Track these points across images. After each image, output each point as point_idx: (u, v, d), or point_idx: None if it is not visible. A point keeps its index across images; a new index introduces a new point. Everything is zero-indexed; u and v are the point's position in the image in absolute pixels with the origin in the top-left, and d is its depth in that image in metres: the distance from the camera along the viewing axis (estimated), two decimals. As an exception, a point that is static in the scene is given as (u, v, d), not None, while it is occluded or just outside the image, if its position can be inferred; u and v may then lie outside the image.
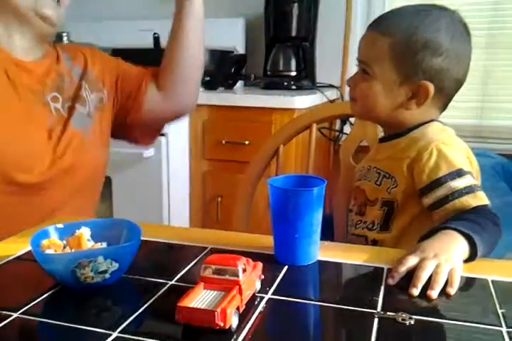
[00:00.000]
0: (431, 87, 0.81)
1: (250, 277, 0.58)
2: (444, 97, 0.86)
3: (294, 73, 2.08)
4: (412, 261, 0.64)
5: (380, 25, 0.84)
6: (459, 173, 0.78)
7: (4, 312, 0.55)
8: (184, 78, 1.11)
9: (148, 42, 2.11)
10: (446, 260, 0.63)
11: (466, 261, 0.68)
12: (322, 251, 0.71)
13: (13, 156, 0.91)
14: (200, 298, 0.54)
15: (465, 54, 0.84)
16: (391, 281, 0.63)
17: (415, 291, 0.60)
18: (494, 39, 1.96)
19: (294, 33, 2.04)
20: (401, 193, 0.84)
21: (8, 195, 0.92)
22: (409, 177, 0.82)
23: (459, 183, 0.77)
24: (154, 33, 2.10)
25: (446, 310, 0.57)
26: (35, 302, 0.57)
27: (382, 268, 0.67)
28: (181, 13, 1.09)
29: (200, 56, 1.13)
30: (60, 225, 0.67)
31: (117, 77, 1.11)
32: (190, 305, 0.52)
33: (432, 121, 0.87)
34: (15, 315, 0.54)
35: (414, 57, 0.80)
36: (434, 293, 0.59)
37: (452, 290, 0.60)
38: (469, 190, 0.77)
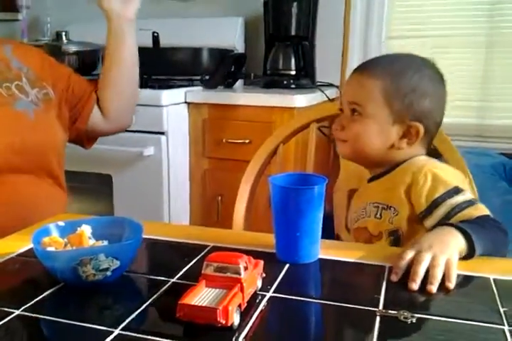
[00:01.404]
0: (421, 128, 0.85)
1: (252, 275, 0.58)
2: (429, 137, 0.89)
3: (293, 72, 2.07)
4: (409, 254, 0.65)
5: (369, 70, 0.87)
6: (456, 191, 0.79)
7: (6, 309, 0.55)
8: (120, 96, 1.17)
9: (147, 42, 2.11)
10: (441, 251, 0.64)
11: (464, 257, 0.68)
12: (323, 249, 0.71)
13: None
14: (201, 296, 0.54)
15: (444, 98, 0.90)
16: (395, 278, 0.63)
17: (414, 286, 0.61)
18: (494, 38, 1.96)
19: (293, 32, 2.04)
20: (404, 220, 0.85)
21: None
22: (408, 203, 0.84)
23: (457, 199, 0.78)
24: (153, 32, 2.10)
25: (449, 308, 0.57)
26: (37, 299, 0.57)
27: (384, 266, 0.67)
28: (117, 35, 1.14)
29: (133, 81, 1.18)
30: (61, 223, 0.67)
31: (68, 86, 1.12)
32: (192, 303, 0.52)
33: (419, 155, 0.89)
34: (17, 312, 0.54)
35: (405, 99, 0.84)
36: (433, 288, 0.60)
37: (451, 285, 0.61)
38: (469, 203, 0.78)
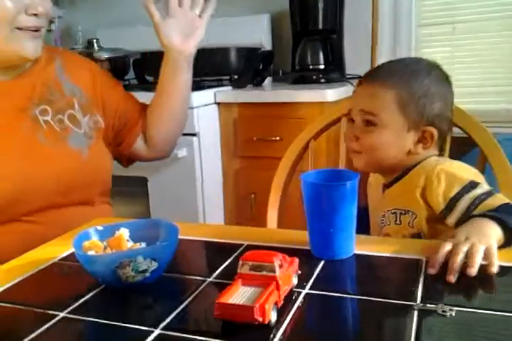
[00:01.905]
0: (435, 132, 0.86)
1: (287, 272, 0.58)
2: (443, 139, 0.91)
3: (322, 66, 2.06)
4: (446, 247, 0.64)
5: (380, 79, 0.87)
6: (472, 185, 0.79)
7: (51, 311, 0.57)
8: (166, 128, 1.15)
9: (176, 44, 2.13)
10: (479, 241, 0.64)
11: (503, 246, 0.67)
12: (358, 245, 0.70)
13: (11, 193, 0.88)
14: (238, 295, 0.54)
15: (452, 98, 0.91)
16: (432, 271, 0.62)
17: (452, 278, 0.60)
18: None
19: (320, 26, 2.02)
20: (423, 222, 0.85)
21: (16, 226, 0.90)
22: (425, 205, 0.84)
23: (475, 192, 0.78)
24: (181, 34, 2.12)
25: (488, 301, 0.56)
26: (80, 302, 0.59)
27: (420, 260, 0.66)
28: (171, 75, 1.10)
29: (183, 114, 1.16)
30: (100, 227, 0.69)
31: (117, 112, 1.10)
32: (229, 302, 0.53)
33: (430, 157, 0.89)
34: (61, 314, 0.56)
35: (418, 105, 0.84)
36: (473, 271, 0.60)
37: (494, 268, 0.61)
38: (488, 194, 0.77)
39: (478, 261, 0.61)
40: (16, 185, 0.89)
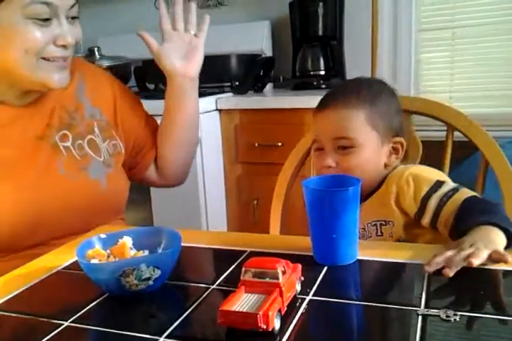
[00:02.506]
0: (404, 141, 0.91)
1: (290, 279, 0.58)
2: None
3: (323, 72, 2.07)
4: (449, 252, 0.64)
5: (344, 103, 0.88)
6: (439, 184, 0.83)
7: (56, 321, 0.57)
8: (176, 155, 1.11)
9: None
10: (485, 246, 0.64)
11: (507, 247, 0.67)
12: (361, 250, 0.70)
13: (29, 224, 0.86)
14: (241, 302, 0.54)
15: (401, 109, 0.96)
16: (428, 268, 0.62)
17: (449, 271, 0.61)
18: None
19: (320, 32, 2.03)
20: (401, 229, 0.86)
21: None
22: (400, 212, 0.86)
23: (443, 190, 0.82)
24: (182, 42, 2.13)
25: (492, 305, 0.56)
26: (84, 310, 0.59)
27: (423, 265, 0.66)
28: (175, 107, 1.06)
29: (193, 142, 1.13)
30: (103, 235, 0.69)
31: (136, 138, 1.07)
32: (233, 309, 0.53)
33: (396, 167, 0.92)
34: (66, 323, 0.57)
35: (385, 120, 0.89)
36: (476, 261, 0.60)
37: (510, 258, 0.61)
38: (454, 190, 0.81)
39: (483, 255, 0.61)
40: (34, 217, 0.86)
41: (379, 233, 0.89)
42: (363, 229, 0.91)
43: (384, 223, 0.88)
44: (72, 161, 0.94)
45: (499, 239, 0.67)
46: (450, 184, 0.83)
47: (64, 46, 0.85)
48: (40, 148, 0.91)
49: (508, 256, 0.62)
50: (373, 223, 0.89)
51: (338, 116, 0.88)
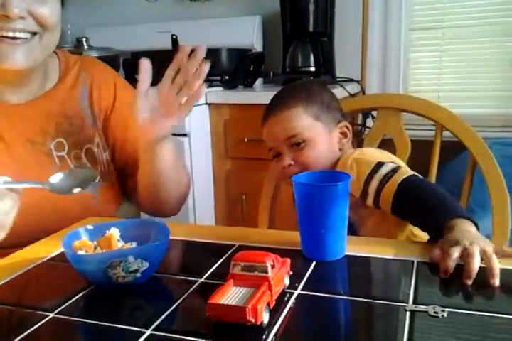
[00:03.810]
0: (348, 124, 0.98)
1: (279, 273, 0.58)
2: (353, 131, 1.01)
3: (312, 69, 2.07)
4: (456, 251, 0.63)
5: (283, 106, 0.94)
6: (379, 165, 0.87)
7: (41, 312, 0.56)
8: (161, 203, 0.97)
9: (166, 44, 2.13)
10: (487, 244, 0.64)
11: None
12: (350, 246, 0.70)
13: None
14: (230, 295, 0.54)
15: (336, 97, 1.02)
16: (445, 276, 0.61)
17: (469, 282, 0.60)
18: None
19: (311, 29, 2.03)
20: (351, 212, 0.84)
21: None
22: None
23: (382, 171, 0.86)
24: (172, 35, 2.12)
25: (479, 301, 0.57)
26: (70, 302, 0.58)
27: (412, 261, 0.66)
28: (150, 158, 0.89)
29: (178, 189, 0.98)
30: (90, 226, 0.68)
31: (121, 150, 0.98)
32: (221, 302, 0.52)
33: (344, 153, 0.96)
34: (51, 315, 0.56)
35: (326, 111, 0.95)
36: (497, 282, 0.59)
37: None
38: (393, 172, 0.85)
39: (497, 265, 0.61)
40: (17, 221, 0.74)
41: None
42: None
43: None
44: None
45: (480, 234, 0.68)
46: (389, 165, 0.87)
47: (7, 17, 0.75)
48: (30, 153, 0.86)
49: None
50: None
51: (281, 118, 0.94)
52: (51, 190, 0.70)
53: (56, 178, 0.72)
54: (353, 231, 0.90)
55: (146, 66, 0.81)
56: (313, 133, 0.93)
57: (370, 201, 0.87)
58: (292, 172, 0.90)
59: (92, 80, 0.97)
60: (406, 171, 0.86)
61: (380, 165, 0.87)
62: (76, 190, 0.72)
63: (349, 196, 0.85)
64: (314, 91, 0.98)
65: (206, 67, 0.80)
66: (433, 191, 0.80)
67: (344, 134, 0.97)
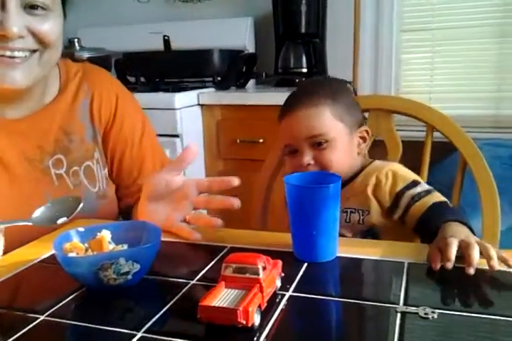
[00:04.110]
0: (368, 129, 0.96)
1: (271, 275, 0.58)
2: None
3: (305, 70, 2.08)
4: (455, 242, 0.64)
5: (309, 103, 0.91)
6: (414, 184, 0.88)
7: (31, 314, 0.56)
8: None
9: (158, 45, 2.13)
10: (479, 241, 0.66)
11: None
12: (341, 247, 0.71)
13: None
14: (221, 297, 0.54)
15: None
16: (450, 265, 0.62)
17: (472, 270, 0.61)
18: (506, 27, 1.93)
19: (303, 30, 2.04)
20: (377, 218, 0.90)
21: None
22: (376, 202, 0.91)
23: (416, 190, 0.87)
24: (164, 36, 2.12)
25: (470, 302, 0.57)
26: (61, 304, 0.58)
27: (403, 263, 0.66)
28: None
29: None
30: (81, 228, 0.68)
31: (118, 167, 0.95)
32: (212, 304, 0.52)
33: (374, 161, 0.97)
34: (41, 317, 0.55)
35: (350, 113, 0.93)
36: (496, 264, 0.61)
37: None
38: (427, 192, 0.87)
39: (494, 253, 0.62)
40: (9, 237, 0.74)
41: (347, 220, 0.92)
42: None
43: (353, 211, 0.92)
44: (63, 192, 0.85)
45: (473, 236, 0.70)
46: (425, 185, 0.88)
47: (5, 37, 0.72)
48: (28, 172, 0.84)
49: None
50: (344, 210, 0.92)
51: (306, 115, 0.91)
52: (35, 224, 0.70)
53: (38, 212, 0.72)
54: (375, 236, 0.90)
55: (194, 148, 0.77)
56: (336, 134, 0.91)
57: (396, 215, 0.88)
58: (310, 171, 0.90)
59: (94, 91, 0.93)
60: (439, 196, 0.86)
61: (415, 183, 0.88)
62: (61, 221, 0.72)
63: (378, 205, 0.89)
64: (340, 90, 0.96)
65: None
66: (459, 214, 0.79)
67: (363, 139, 0.96)
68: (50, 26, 0.78)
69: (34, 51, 0.78)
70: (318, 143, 0.90)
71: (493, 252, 0.62)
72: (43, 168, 0.85)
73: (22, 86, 0.79)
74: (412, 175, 0.91)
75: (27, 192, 0.83)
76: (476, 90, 2.01)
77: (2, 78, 0.76)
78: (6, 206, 0.80)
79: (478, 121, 1.94)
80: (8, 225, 0.69)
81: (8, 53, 0.75)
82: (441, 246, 0.65)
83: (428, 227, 0.79)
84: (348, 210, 0.93)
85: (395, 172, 0.90)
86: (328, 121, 0.90)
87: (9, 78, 0.76)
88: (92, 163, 0.91)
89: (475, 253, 0.62)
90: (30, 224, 0.70)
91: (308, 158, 0.90)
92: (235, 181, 0.74)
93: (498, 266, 0.61)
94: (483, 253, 0.63)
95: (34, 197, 0.83)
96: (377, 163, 0.95)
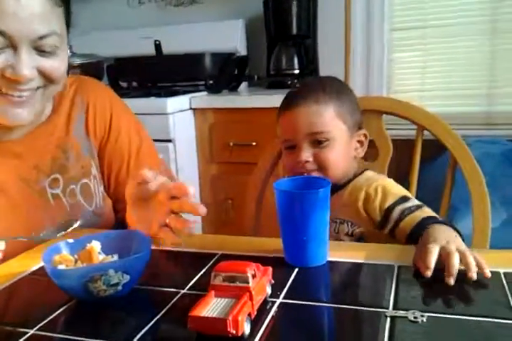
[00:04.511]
0: (367, 132, 0.95)
1: (260, 282, 0.58)
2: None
3: (297, 71, 2.08)
4: (435, 248, 0.64)
5: (313, 100, 0.90)
6: (404, 199, 0.87)
7: (21, 329, 0.56)
8: None
9: (150, 50, 2.12)
10: (461, 244, 0.67)
11: None
12: (332, 252, 0.71)
13: None
14: (211, 307, 0.54)
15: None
16: (429, 273, 0.62)
17: (452, 280, 0.60)
18: (497, 24, 1.94)
19: (294, 31, 2.04)
20: (366, 231, 0.90)
21: None
22: (367, 217, 0.89)
23: (406, 205, 0.86)
24: (155, 40, 2.12)
25: (458, 305, 0.57)
26: (51, 317, 0.58)
27: (393, 266, 0.67)
28: None
29: None
30: (71, 240, 0.68)
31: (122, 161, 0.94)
32: (202, 315, 0.52)
33: (365, 170, 0.96)
34: (31, 331, 0.55)
35: (351, 114, 0.92)
36: (474, 275, 0.61)
37: (488, 272, 0.62)
38: (417, 207, 0.85)
39: (474, 263, 0.62)
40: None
41: (336, 230, 0.91)
42: None
43: (342, 221, 0.91)
44: (60, 213, 0.85)
45: (458, 237, 0.70)
46: (415, 201, 0.87)
47: (16, 81, 0.73)
48: (24, 194, 0.83)
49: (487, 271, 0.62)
50: (334, 220, 0.91)
51: (310, 111, 0.89)
52: (36, 241, 0.70)
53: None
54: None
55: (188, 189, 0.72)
56: (337, 134, 0.90)
57: (387, 230, 0.86)
58: (307, 168, 0.89)
59: (88, 102, 0.93)
60: (430, 211, 0.85)
61: (405, 198, 0.87)
62: (60, 234, 0.72)
63: (368, 220, 0.88)
64: (344, 89, 0.95)
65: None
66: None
67: (361, 143, 0.95)
68: (59, 64, 0.78)
69: (39, 87, 0.78)
70: (318, 141, 0.89)
71: (472, 260, 0.62)
72: (40, 188, 0.84)
73: (26, 122, 0.80)
74: (402, 191, 0.90)
75: (24, 214, 0.83)
76: (467, 87, 2.02)
77: (6, 115, 0.77)
78: (5, 228, 0.80)
79: (470, 118, 1.95)
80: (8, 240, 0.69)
81: (16, 94, 0.75)
82: (422, 254, 0.65)
83: (418, 241, 0.76)
84: (338, 220, 0.92)
85: (384, 187, 0.89)
86: (331, 119, 0.89)
87: (14, 115, 0.77)
88: (89, 180, 0.91)
89: (454, 262, 0.61)
90: (31, 239, 0.70)
91: (307, 154, 0.89)
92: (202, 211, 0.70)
93: (475, 276, 0.61)
94: (462, 262, 0.62)
95: (32, 219, 0.83)
96: (368, 174, 0.94)
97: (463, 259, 0.62)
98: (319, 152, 0.89)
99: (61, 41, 0.77)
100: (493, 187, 1.01)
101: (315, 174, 0.90)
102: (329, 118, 0.89)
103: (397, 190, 0.90)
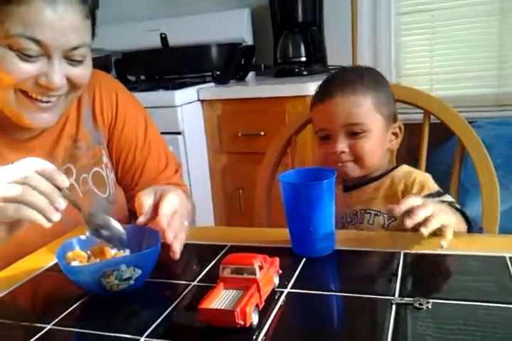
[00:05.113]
0: (402, 125, 0.95)
1: (268, 274, 0.59)
2: None
3: (304, 58, 2.07)
4: (414, 197, 0.68)
5: (351, 90, 0.88)
6: (439, 194, 0.86)
7: (38, 324, 0.58)
8: None
9: (156, 42, 2.13)
10: (445, 211, 0.70)
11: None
12: (339, 241, 0.72)
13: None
14: (220, 298, 0.56)
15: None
16: (396, 212, 0.66)
17: (409, 222, 0.65)
18: (506, 4, 1.90)
19: (300, 19, 2.03)
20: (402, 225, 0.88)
21: None
22: None
23: (440, 198, 0.84)
24: (161, 34, 2.12)
25: (463, 291, 0.58)
26: (66, 312, 0.60)
27: (399, 253, 0.67)
28: None
29: None
30: (83, 236, 0.69)
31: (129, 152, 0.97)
32: (211, 307, 0.54)
33: (401, 164, 0.96)
34: (48, 326, 0.57)
35: (387, 105, 0.91)
36: (425, 231, 0.65)
37: (444, 244, 0.66)
38: (449, 204, 0.81)
39: (434, 224, 0.65)
40: (14, 253, 0.78)
41: (370, 221, 0.90)
42: (355, 213, 0.92)
43: (378, 213, 0.90)
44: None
45: (453, 216, 0.72)
46: (449, 197, 0.86)
47: (47, 88, 0.76)
48: None
49: (444, 243, 0.66)
50: (368, 211, 0.91)
51: (347, 102, 0.88)
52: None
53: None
54: None
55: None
56: (374, 125, 0.88)
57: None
58: (342, 159, 0.89)
59: (94, 93, 0.95)
60: (460, 208, 0.82)
61: (440, 193, 0.86)
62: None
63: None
64: (381, 81, 0.93)
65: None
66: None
67: (396, 135, 0.94)
68: (85, 72, 0.81)
69: (64, 93, 0.81)
70: (354, 132, 0.88)
71: (434, 222, 0.65)
72: None
73: (50, 125, 0.84)
74: (438, 187, 0.89)
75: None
76: (477, 69, 1.99)
77: (32, 119, 0.80)
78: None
79: (481, 100, 1.93)
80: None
81: (45, 99, 0.78)
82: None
83: None
84: (372, 212, 0.90)
85: (422, 180, 0.88)
86: (369, 111, 0.88)
87: (39, 119, 0.80)
88: (101, 168, 0.93)
89: (420, 212, 0.65)
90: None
91: (343, 145, 0.88)
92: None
93: (445, 245, 0.65)
94: (441, 227, 0.66)
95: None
96: (405, 167, 0.93)
97: (428, 218, 0.65)
98: (355, 143, 0.88)
99: (88, 50, 0.80)
100: (506, 169, 1.00)
101: (350, 165, 0.90)
102: (366, 109, 0.88)
103: (433, 185, 0.89)
